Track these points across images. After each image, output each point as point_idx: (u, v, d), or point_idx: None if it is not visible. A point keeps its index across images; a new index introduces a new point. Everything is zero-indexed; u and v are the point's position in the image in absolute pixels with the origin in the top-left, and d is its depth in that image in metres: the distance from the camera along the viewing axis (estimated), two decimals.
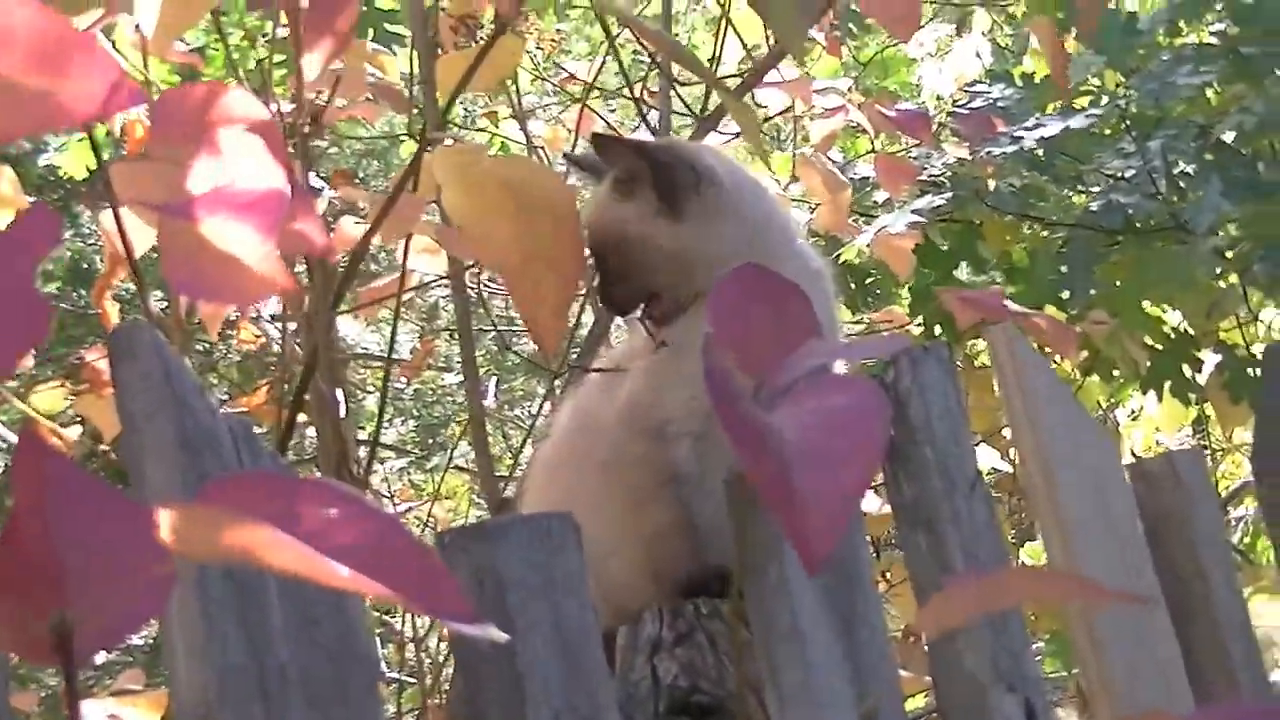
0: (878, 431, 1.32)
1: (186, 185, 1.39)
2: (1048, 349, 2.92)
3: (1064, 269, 3.02)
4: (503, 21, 2.11)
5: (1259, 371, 3.24)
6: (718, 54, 3.25)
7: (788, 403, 1.35)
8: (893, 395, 1.99)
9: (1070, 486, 2.18)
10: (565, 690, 1.66)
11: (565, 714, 1.65)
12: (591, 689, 1.68)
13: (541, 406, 3.11)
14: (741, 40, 3.34)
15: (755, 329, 1.45)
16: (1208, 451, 4.68)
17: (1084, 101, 3.19)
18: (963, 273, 3.12)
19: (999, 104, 3.32)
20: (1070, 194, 3.16)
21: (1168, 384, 3.17)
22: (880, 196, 3.41)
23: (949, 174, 3.14)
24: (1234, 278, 3.17)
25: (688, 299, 2.35)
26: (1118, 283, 3.04)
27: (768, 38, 2.98)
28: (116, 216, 1.85)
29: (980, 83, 3.41)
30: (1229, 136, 3.16)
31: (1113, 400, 4.06)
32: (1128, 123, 3.21)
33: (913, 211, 3.00)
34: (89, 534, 1.16)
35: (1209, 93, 3.28)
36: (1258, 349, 3.39)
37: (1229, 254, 3.10)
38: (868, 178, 3.40)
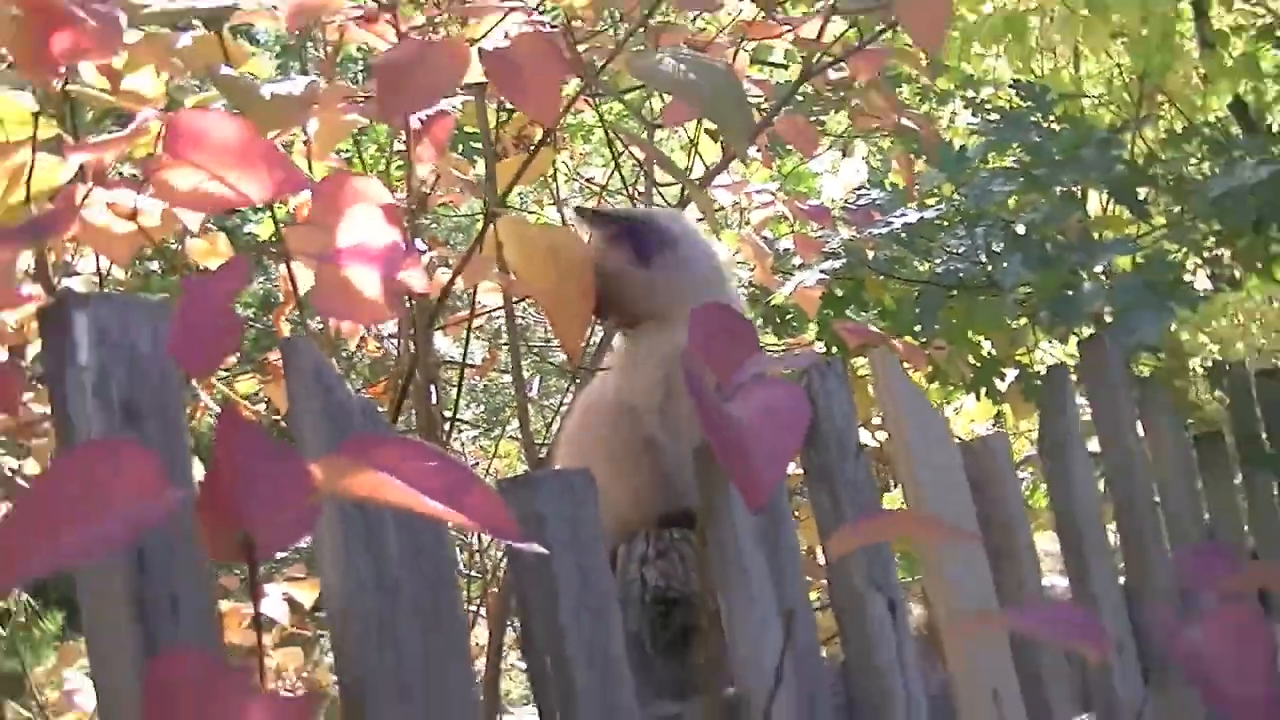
0: (801, 420, 1.29)
1: (335, 243, 1.35)
2: (905, 364, 2.88)
3: (918, 311, 2.98)
4: (543, 140, 2.08)
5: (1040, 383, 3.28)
6: (690, 164, 3.21)
7: (739, 397, 1.31)
8: (809, 395, 1.95)
9: (921, 457, 2.14)
10: (582, 588, 1.62)
11: (582, 605, 1.62)
12: (600, 588, 1.64)
13: (565, 396, 3.06)
14: (702, 158, 3.31)
15: (718, 345, 1.41)
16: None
17: (931, 202, 3.15)
18: (852, 312, 3.09)
19: (876, 202, 3.29)
20: (922, 262, 3.11)
21: (983, 390, 3.13)
22: (797, 261, 3.37)
23: (842, 247, 3.10)
24: (1024, 321, 3.13)
25: (652, 319, 2.31)
26: (953, 321, 2.99)
27: (723, 154, 2.93)
28: (288, 265, 1.84)
29: (862, 189, 3.39)
30: (1025, 227, 3.12)
31: (946, 400, 4.03)
32: (960, 217, 3.17)
33: (820, 271, 2.95)
34: (264, 476, 1.13)
35: (1012, 200, 3.24)
36: (1040, 368, 3.37)
37: (1024, 304, 3.06)
38: (789, 249, 3.36)
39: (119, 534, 1.03)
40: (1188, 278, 2.92)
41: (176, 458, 1.33)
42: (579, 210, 2.37)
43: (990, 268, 3.03)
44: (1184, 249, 3.02)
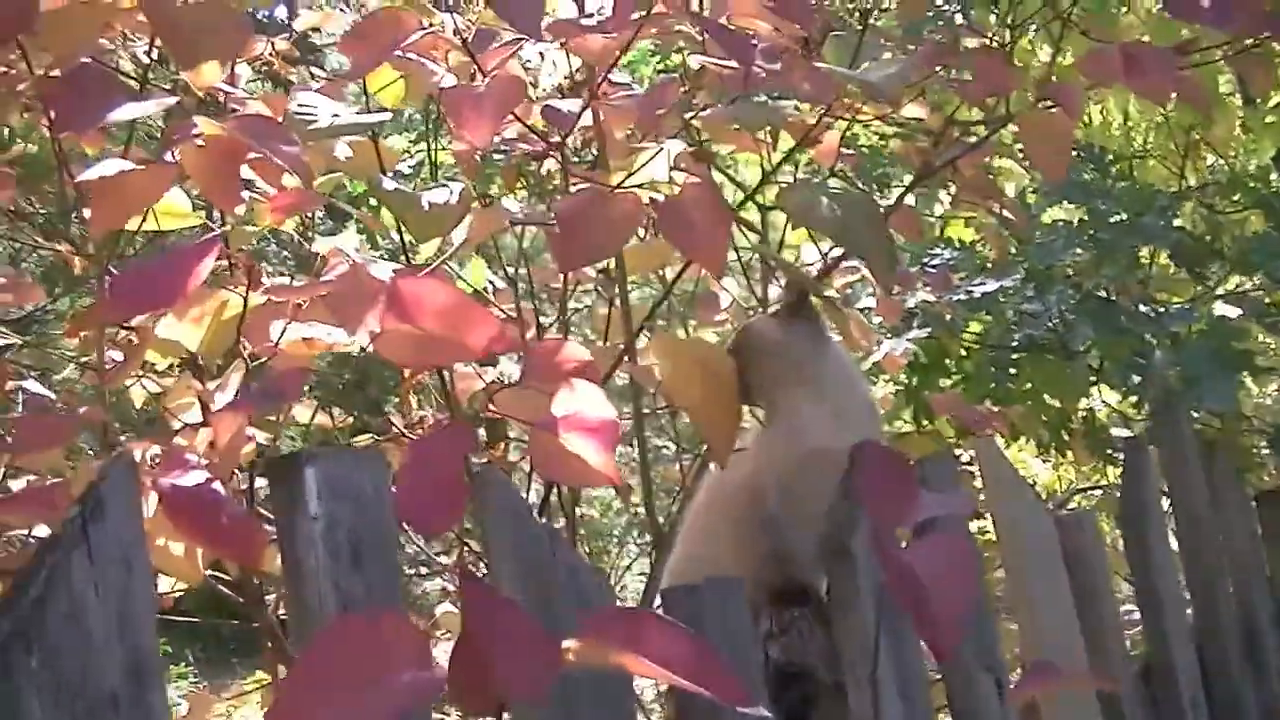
0: (973, 577, 1.34)
1: (552, 409, 1.40)
2: (988, 428, 2.94)
3: (994, 372, 3.03)
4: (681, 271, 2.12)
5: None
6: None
7: (916, 549, 1.37)
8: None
9: (1024, 543, 2.20)
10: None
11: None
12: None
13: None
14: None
15: (881, 487, 1.47)
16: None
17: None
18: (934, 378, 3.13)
19: (949, 262, 3.33)
20: (997, 326, 3.16)
21: (1053, 446, 3.18)
22: (877, 320, 3.39)
23: (920, 309, 3.14)
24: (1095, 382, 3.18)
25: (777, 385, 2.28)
26: (1028, 385, 3.04)
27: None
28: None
29: (934, 247, 3.40)
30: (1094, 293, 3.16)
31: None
32: (1030, 278, 3.22)
33: (907, 339, 3.00)
34: (515, 650, 1.18)
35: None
36: (1107, 422, 3.43)
37: (1095, 369, 3.10)
38: (870, 308, 3.38)
39: (397, 704, 1.08)
40: (1250, 345, 2.96)
41: (393, 600, 1.39)
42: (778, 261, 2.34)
43: (1062, 330, 3.08)
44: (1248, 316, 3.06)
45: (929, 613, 1.31)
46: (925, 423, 3.02)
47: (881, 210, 1.96)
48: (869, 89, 1.84)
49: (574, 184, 2.13)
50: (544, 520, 2.17)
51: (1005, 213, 2.68)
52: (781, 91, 1.91)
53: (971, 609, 1.32)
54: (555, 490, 2.30)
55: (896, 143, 3.04)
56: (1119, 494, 2.59)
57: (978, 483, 2.36)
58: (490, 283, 2.81)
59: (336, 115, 2.00)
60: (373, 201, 2.77)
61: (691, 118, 2.07)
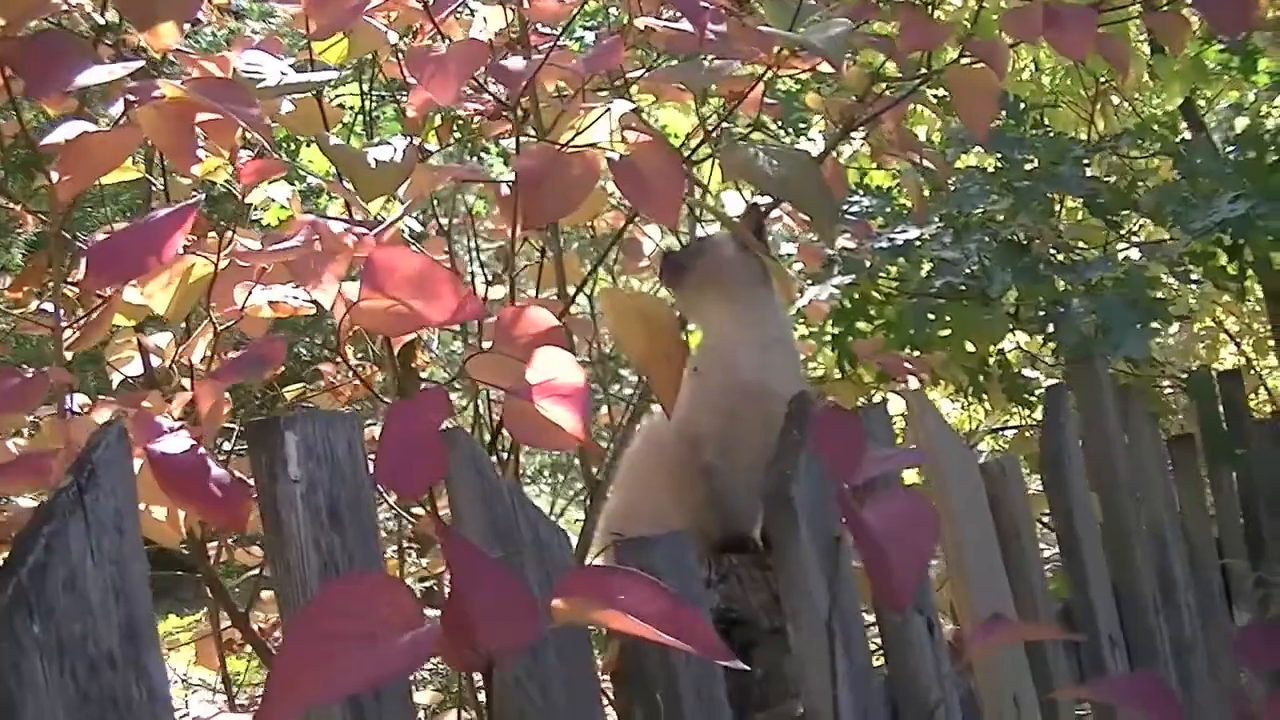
0: (931, 532, 1.41)
1: (526, 379, 1.46)
2: (910, 373, 3.03)
3: (914, 318, 3.12)
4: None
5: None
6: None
7: (874, 505, 1.44)
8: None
9: (955, 488, 2.29)
10: None
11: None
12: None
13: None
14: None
15: (835, 446, 1.54)
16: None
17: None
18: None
19: (867, 210, 3.41)
20: (917, 274, 3.25)
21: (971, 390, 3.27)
22: (798, 266, 3.46)
23: (841, 258, 3.21)
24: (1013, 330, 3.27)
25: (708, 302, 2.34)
26: (949, 331, 3.13)
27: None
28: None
29: (852, 195, 3.47)
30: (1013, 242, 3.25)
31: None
32: (947, 224, 3.31)
33: (831, 285, 3.07)
34: (490, 597, 1.23)
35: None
36: (1020, 368, 3.53)
37: (1012, 315, 3.20)
38: (791, 254, 3.45)
39: (399, 664, 1.14)
40: (1164, 294, 3.07)
41: (372, 556, 1.45)
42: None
43: (979, 277, 3.17)
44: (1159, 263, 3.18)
45: (885, 565, 1.38)
46: (849, 369, 3.10)
47: (815, 164, 2.02)
48: (815, 52, 1.89)
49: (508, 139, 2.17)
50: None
51: (926, 163, 2.75)
52: (721, 53, 1.95)
53: (926, 563, 1.40)
54: (496, 437, 2.35)
55: (813, 94, 3.10)
56: (1039, 439, 2.69)
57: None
58: (409, 227, 2.84)
59: (284, 73, 2.03)
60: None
61: (635, 79, 2.12)
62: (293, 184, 2.80)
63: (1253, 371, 5.20)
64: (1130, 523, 2.79)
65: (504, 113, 2.05)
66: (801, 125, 3.76)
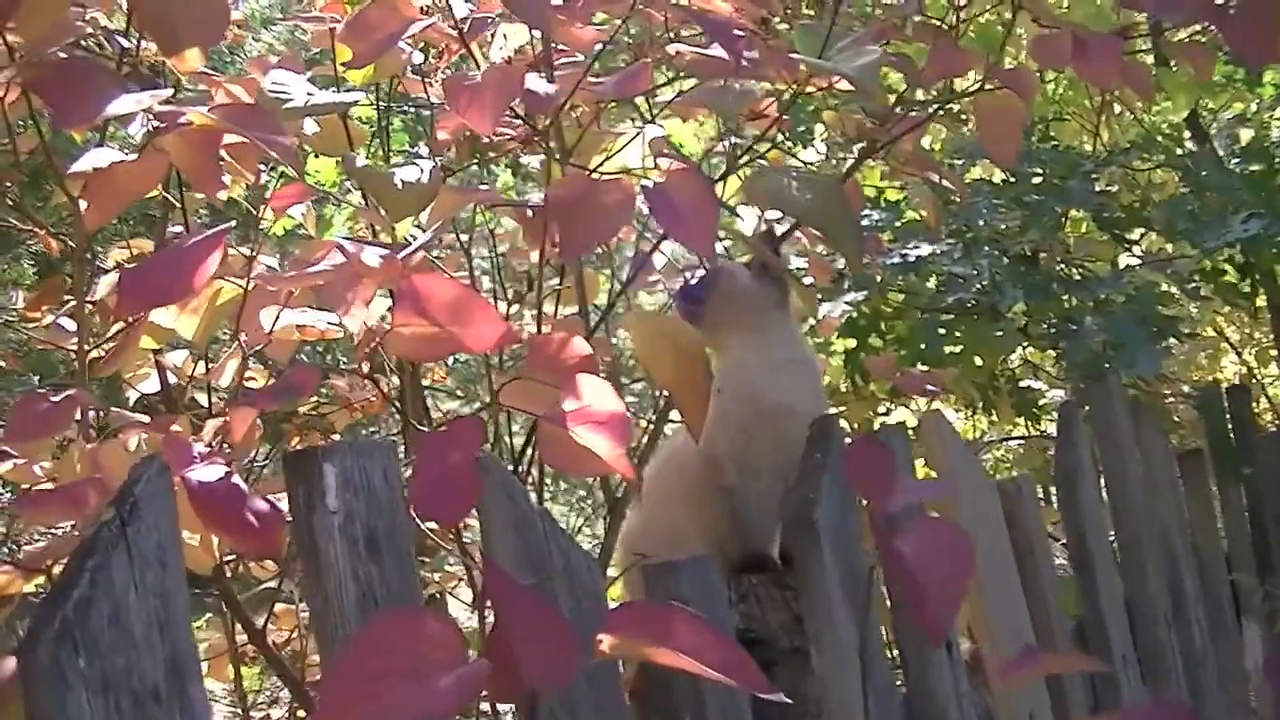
0: (968, 562, 1.41)
1: (562, 405, 1.45)
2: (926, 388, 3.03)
3: (925, 337, 3.11)
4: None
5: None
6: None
7: (908, 534, 1.44)
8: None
9: (969, 509, 2.30)
10: None
11: None
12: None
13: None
14: None
15: (867, 474, 1.54)
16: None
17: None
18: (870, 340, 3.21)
19: (878, 224, 3.41)
20: (927, 290, 3.25)
21: (982, 404, 3.28)
22: (808, 281, 3.45)
23: (852, 274, 3.21)
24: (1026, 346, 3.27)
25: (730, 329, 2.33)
26: (960, 348, 3.13)
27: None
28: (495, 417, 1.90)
29: (864, 208, 3.46)
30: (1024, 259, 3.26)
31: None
32: (957, 239, 3.31)
33: (844, 302, 3.07)
34: (534, 633, 1.24)
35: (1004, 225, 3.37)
36: (1030, 381, 3.54)
37: (1023, 331, 3.20)
38: (803, 268, 3.43)
39: (447, 702, 1.14)
40: (1175, 311, 3.08)
41: (410, 587, 1.45)
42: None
43: (989, 293, 3.18)
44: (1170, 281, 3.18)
45: (921, 596, 1.38)
46: (861, 385, 3.10)
47: (843, 191, 2.02)
48: (850, 82, 1.89)
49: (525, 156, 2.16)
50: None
51: (945, 182, 2.76)
52: (752, 76, 1.95)
53: (962, 596, 1.40)
54: (519, 460, 2.35)
55: (830, 112, 3.10)
56: (1053, 457, 2.70)
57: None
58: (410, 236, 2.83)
59: (310, 94, 2.02)
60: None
61: (665, 105, 2.12)
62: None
63: (1255, 380, 5.21)
64: (1143, 539, 2.80)
65: (535, 138, 2.04)
66: (807, 137, 3.76)
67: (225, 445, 1.58)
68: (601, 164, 1.85)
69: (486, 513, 1.58)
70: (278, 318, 1.74)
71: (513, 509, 1.59)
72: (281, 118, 1.94)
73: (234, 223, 1.66)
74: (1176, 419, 3.45)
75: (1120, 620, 2.67)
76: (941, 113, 2.52)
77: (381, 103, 2.62)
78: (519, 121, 2.06)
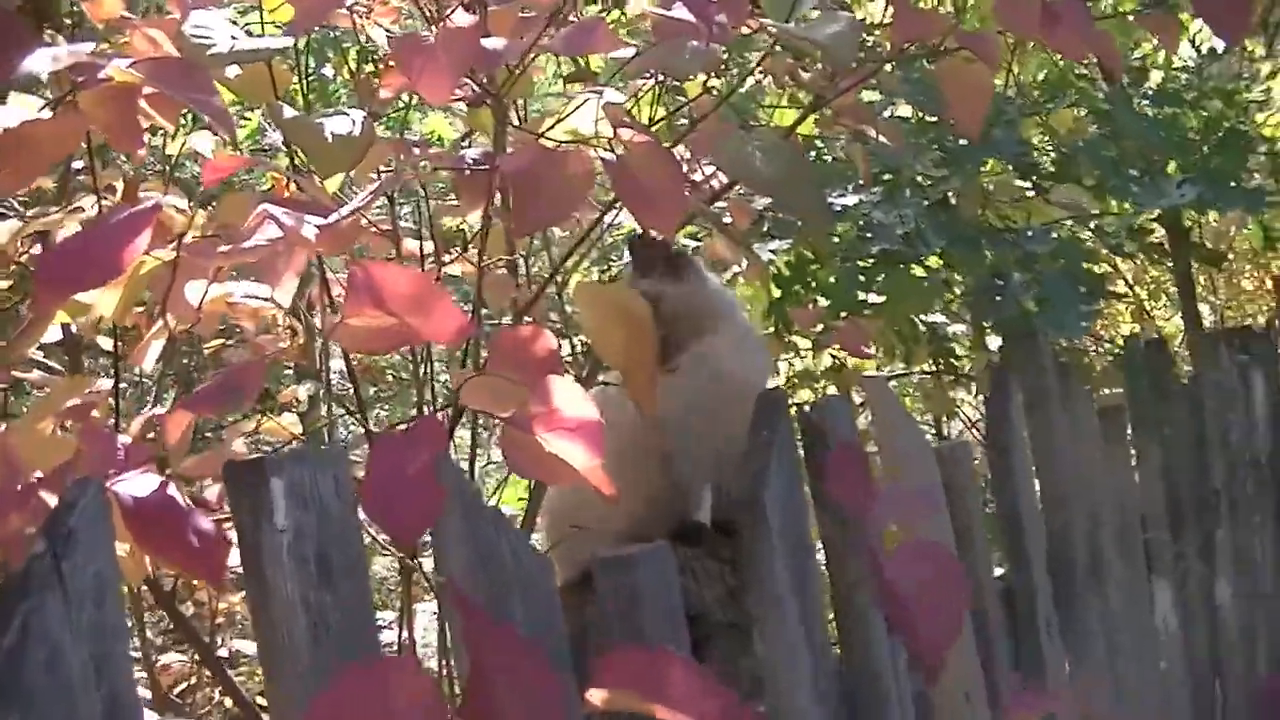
0: (962, 597, 1.33)
1: (529, 408, 1.34)
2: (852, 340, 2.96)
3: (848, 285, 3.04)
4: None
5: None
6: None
7: (900, 560, 1.35)
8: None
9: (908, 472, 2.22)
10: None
11: None
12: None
13: None
14: None
15: (850, 487, 1.45)
16: None
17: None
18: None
19: None
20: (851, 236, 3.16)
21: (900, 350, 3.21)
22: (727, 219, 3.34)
23: (768, 213, 3.11)
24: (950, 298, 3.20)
25: (684, 340, 2.29)
26: (885, 298, 3.05)
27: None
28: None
29: None
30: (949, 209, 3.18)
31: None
32: (881, 185, 3.22)
33: (770, 250, 2.98)
34: (514, 679, 1.14)
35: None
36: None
37: (948, 282, 3.14)
38: (723, 207, 3.32)
39: None
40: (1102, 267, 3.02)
41: (365, 615, 1.33)
42: (629, 241, 2.32)
43: (912, 239, 3.10)
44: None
45: (914, 627, 1.30)
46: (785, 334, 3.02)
47: (807, 163, 1.91)
48: (824, 52, 1.77)
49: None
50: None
51: (881, 137, 2.65)
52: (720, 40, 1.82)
53: (959, 630, 1.31)
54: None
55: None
56: (985, 424, 2.63)
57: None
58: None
59: (235, 39, 1.86)
60: None
61: (618, 70, 1.99)
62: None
63: (1147, 316, 5.22)
64: (1068, 502, 2.74)
65: (488, 101, 1.90)
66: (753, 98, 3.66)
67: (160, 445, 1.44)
68: (550, 128, 1.71)
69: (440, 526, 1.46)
70: (205, 294, 1.59)
71: (466, 513, 1.47)
72: (204, 64, 1.78)
73: (158, 199, 1.50)
74: (1096, 374, 3.41)
75: (1046, 587, 2.62)
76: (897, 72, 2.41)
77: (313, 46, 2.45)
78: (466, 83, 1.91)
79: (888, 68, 2.75)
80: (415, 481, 1.27)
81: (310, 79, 3.08)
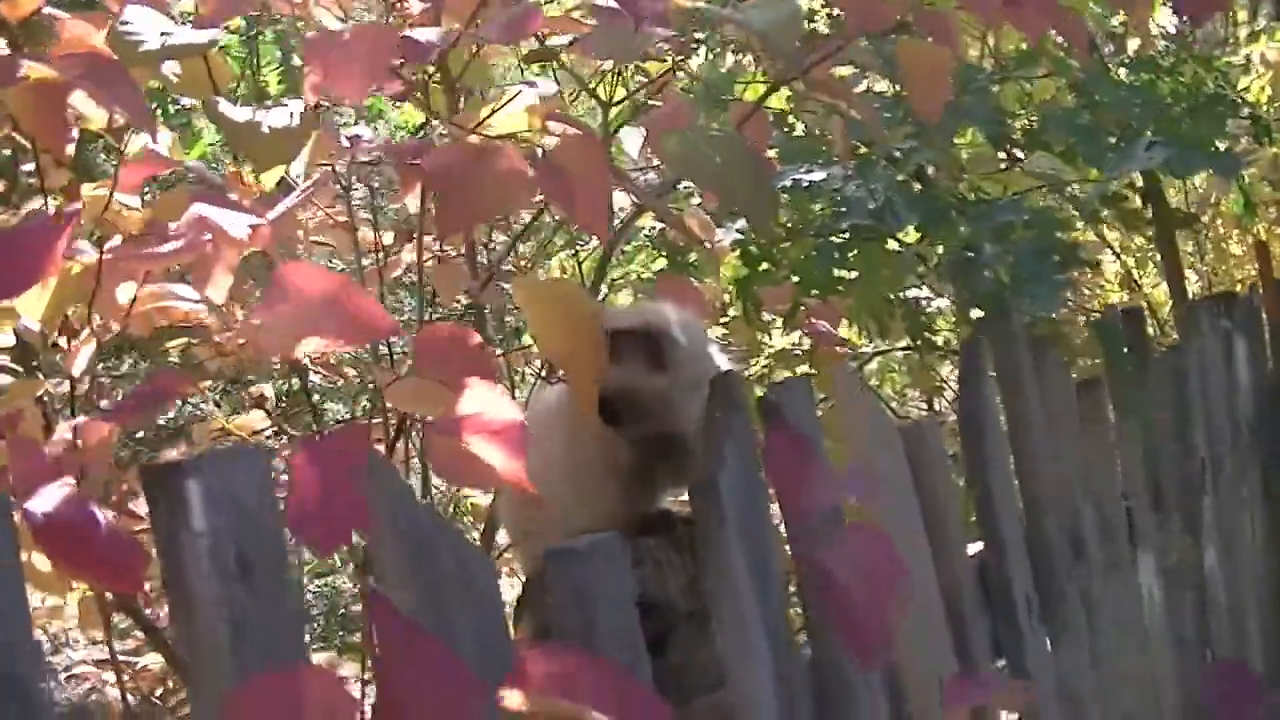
0: (897, 579, 1.31)
1: (455, 412, 1.31)
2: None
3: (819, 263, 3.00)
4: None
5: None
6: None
7: (834, 549, 1.33)
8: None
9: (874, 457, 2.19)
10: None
11: None
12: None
13: None
14: None
15: (785, 470, 1.43)
16: None
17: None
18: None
19: (771, 146, 3.27)
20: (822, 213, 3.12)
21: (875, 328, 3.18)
22: (696, 201, 3.32)
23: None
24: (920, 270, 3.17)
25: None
26: (856, 275, 3.02)
27: None
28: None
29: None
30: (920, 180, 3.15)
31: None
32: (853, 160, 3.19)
33: (736, 230, 2.95)
34: (426, 682, 1.12)
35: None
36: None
37: (921, 258, 3.10)
38: (689, 185, 3.29)
39: None
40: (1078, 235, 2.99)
41: (290, 616, 1.30)
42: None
43: (884, 217, 3.06)
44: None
45: (853, 620, 1.27)
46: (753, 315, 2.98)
47: (756, 155, 1.87)
48: (760, 39, 1.74)
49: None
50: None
51: (853, 111, 2.62)
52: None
53: (897, 614, 1.29)
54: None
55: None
56: (957, 401, 2.60)
57: None
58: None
59: (166, 33, 1.83)
60: None
61: (558, 51, 1.96)
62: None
63: (1135, 284, 5.19)
64: (1044, 479, 2.72)
65: (413, 94, 1.87)
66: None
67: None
68: (482, 122, 1.68)
69: (371, 519, 1.43)
70: (135, 297, 1.57)
71: (403, 514, 1.44)
72: (134, 61, 1.76)
73: (79, 206, 1.47)
74: (1075, 344, 3.37)
75: (1023, 563, 2.60)
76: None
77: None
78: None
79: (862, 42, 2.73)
80: (334, 491, 1.24)
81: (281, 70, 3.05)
